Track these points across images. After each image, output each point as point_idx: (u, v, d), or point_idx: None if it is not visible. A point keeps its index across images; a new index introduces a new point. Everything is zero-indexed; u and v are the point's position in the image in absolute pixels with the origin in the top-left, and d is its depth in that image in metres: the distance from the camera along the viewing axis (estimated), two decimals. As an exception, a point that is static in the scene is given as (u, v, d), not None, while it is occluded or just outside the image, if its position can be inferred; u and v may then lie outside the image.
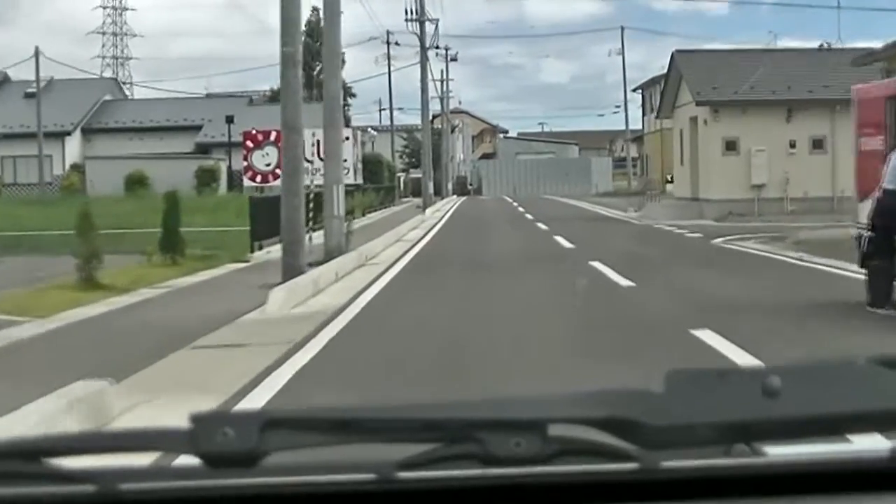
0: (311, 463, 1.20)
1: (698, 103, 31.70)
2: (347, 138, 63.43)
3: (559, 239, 23.46)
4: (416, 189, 71.76)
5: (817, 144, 32.01)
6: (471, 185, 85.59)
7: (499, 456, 1.13)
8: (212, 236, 22.60)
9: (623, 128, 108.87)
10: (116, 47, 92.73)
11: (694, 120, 34.05)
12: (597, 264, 16.35)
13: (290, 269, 14.59)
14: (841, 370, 1.24)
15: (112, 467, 1.19)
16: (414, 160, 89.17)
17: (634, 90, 72.26)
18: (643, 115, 71.01)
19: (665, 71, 39.42)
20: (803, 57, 34.16)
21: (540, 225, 30.44)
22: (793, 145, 31.80)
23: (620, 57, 77.85)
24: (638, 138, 74.33)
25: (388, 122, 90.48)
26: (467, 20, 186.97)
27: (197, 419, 1.14)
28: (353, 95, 75.14)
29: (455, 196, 74.58)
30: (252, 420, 1.13)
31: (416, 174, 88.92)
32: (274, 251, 17.73)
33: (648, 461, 1.17)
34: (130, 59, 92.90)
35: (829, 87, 31.66)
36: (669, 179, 66.58)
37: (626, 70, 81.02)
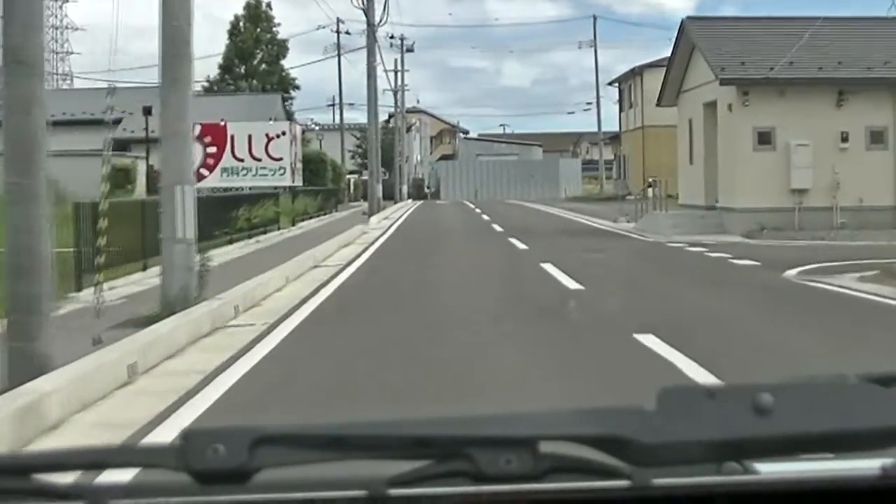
0: (302, 479, 1.19)
1: (723, 82, 24.04)
2: (284, 133, 54.61)
3: (550, 269, 15.71)
4: (367, 191, 66.22)
5: (876, 138, 24.43)
6: (428, 188, 79.84)
7: (490, 473, 1.12)
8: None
9: (589, 129, 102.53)
10: (57, 41, 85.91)
11: (711, 106, 26.43)
12: (651, 342, 8.62)
13: (21, 363, 6.80)
14: (832, 388, 1.21)
15: (102, 483, 1.19)
16: (367, 161, 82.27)
17: (611, 83, 64.76)
18: (620, 111, 63.51)
19: (653, 66, 31.56)
20: (860, 27, 26.53)
21: (515, 242, 22.74)
22: (844, 138, 24.19)
23: (590, 51, 71.12)
24: (614, 137, 66.72)
25: (348, 122, 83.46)
26: (427, 23, 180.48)
27: (187, 435, 1.13)
28: (297, 87, 67.18)
29: (410, 200, 67.72)
30: (242, 436, 1.12)
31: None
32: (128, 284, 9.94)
33: (640, 479, 1.16)
34: (71, 53, 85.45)
35: (894, 63, 24.22)
36: (651, 183, 59.33)
37: (598, 63, 73.48)
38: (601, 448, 1.14)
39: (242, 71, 65.58)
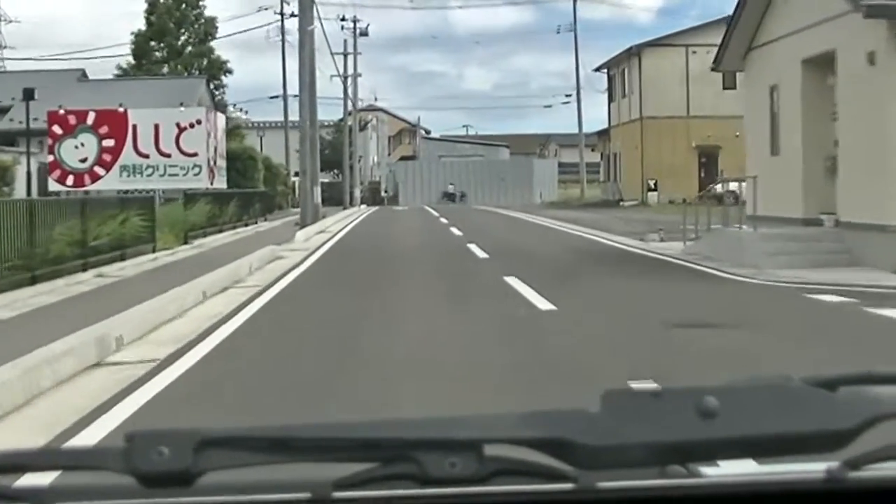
0: (247, 482, 1.19)
1: (870, 13, 14.20)
2: (198, 123, 43.77)
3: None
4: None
5: None
6: (386, 192, 72.06)
7: (435, 476, 1.12)
8: None
9: (559, 131, 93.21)
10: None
11: (819, 63, 16.73)
12: None
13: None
14: (776, 391, 1.21)
15: (45, 486, 1.17)
16: (300, 157, 72.44)
17: (598, 69, 55.11)
18: (610, 101, 53.88)
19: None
20: None
21: (517, 285, 12.94)
22: None
23: (553, 54, 62.00)
24: (601, 133, 57.15)
25: (295, 119, 73.67)
26: (392, 29, 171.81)
27: (131, 437, 1.11)
28: (229, 72, 56.86)
29: (364, 206, 58.01)
30: (187, 439, 1.10)
31: (322, 178, 72.79)
32: None
33: (584, 482, 1.17)
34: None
35: None
36: (653, 186, 49.86)
37: (578, 49, 63.84)
38: (546, 451, 1.13)
39: (165, 54, 55.34)
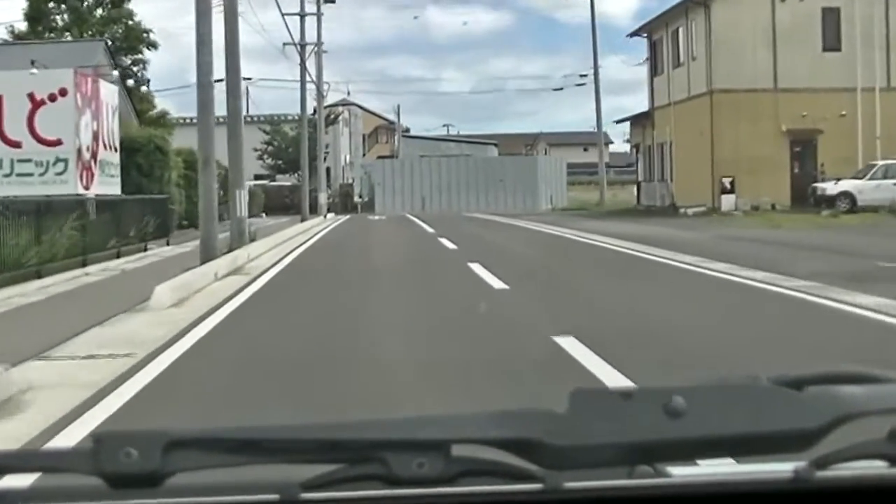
0: (215, 484, 1.19)
1: None
2: (64, 93, 27.69)
3: None
4: (276, 202, 51.08)
5: None
6: (360, 196, 60.65)
7: (402, 476, 1.12)
8: None
9: (549, 130, 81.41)
10: None
11: None
12: None
13: None
14: (744, 390, 1.21)
15: (10, 488, 1.18)
16: (280, 161, 59.38)
17: (635, 34, 41.99)
18: (653, 75, 40.83)
19: None
20: None
21: None
22: None
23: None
24: (638, 118, 43.76)
25: (267, 114, 61.33)
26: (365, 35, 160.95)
27: (99, 439, 1.11)
28: (152, 45, 43.39)
29: (332, 215, 45.61)
30: (155, 440, 1.11)
31: (283, 181, 59.92)
32: None
33: (552, 482, 1.17)
34: None
35: None
36: (729, 187, 36.26)
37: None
38: (513, 451, 1.13)
39: (67, 18, 42.05)
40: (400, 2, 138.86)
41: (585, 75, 52.99)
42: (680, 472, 1.25)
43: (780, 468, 1.22)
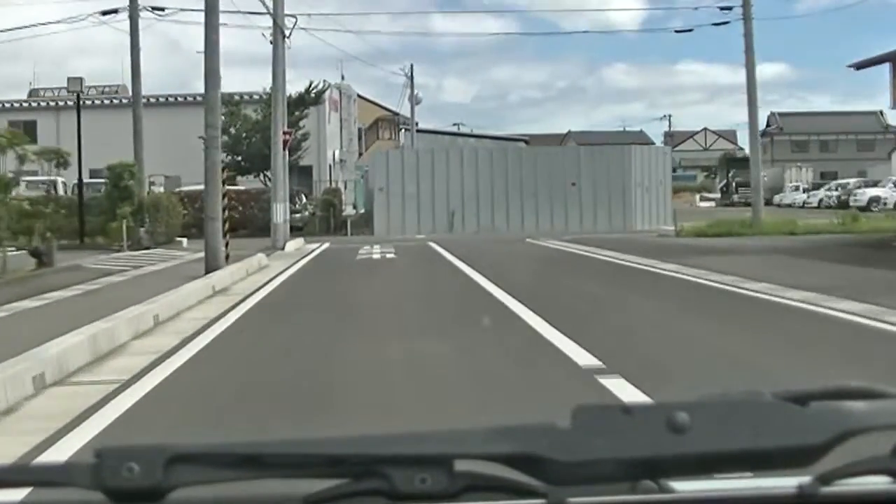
0: (217, 499, 1.18)
1: None
2: None
3: None
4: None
5: None
6: (354, 207, 44.40)
7: (405, 492, 1.11)
8: None
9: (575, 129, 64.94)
10: None
11: None
12: None
13: None
14: (747, 405, 1.20)
15: (16, 501, 1.16)
16: (240, 158, 37.96)
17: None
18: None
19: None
20: None
21: None
22: None
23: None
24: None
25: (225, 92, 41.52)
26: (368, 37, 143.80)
27: (101, 454, 1.11)
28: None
29: (298, 242, 25.71)
30: (157, 455, 1.10)
31: (244, 183, 39.76)
32: None
33: (555, 497, 1.16)
34: None
35: None
36: None
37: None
38: (516, 466, 1.12)
39: None
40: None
41: (729, 9, 31.47)
42: (683, 488, 1.23)
43: (784, 483, 1.20)
